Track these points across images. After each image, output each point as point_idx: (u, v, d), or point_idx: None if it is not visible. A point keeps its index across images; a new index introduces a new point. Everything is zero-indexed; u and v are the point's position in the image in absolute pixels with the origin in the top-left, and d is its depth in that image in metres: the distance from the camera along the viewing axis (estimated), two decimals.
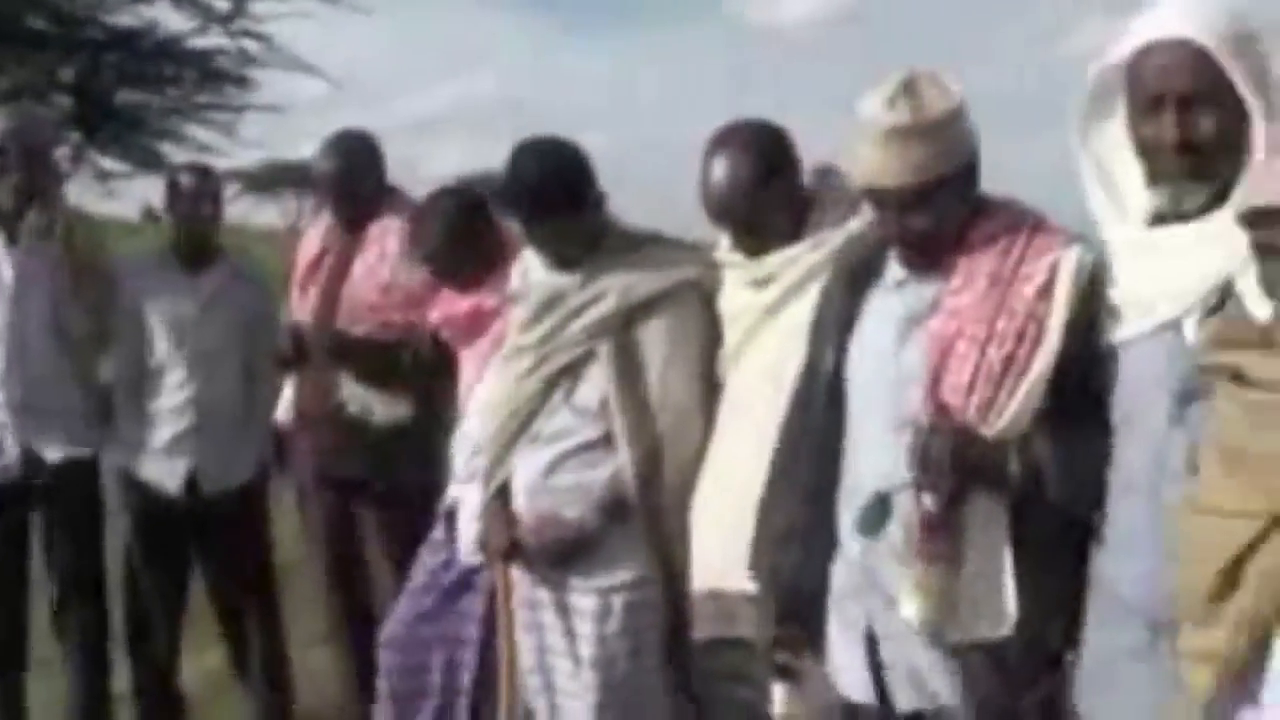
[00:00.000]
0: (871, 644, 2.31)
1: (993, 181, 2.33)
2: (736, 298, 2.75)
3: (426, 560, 3.36)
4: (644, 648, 2.85)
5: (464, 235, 3.32)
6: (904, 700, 2.30)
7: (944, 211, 2.23)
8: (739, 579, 2.53)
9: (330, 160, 3.87)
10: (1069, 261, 2.19)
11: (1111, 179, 2.18)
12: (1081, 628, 2.17)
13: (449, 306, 3.40)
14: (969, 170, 2.27)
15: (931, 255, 2.28)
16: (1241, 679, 1.79)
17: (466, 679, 3.27)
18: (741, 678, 2.62)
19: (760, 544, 2.49)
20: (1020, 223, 2.27)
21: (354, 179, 3.85)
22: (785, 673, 2.46)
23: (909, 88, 2.20)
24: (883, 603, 2.28)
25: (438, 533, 3.36)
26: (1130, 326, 2.11)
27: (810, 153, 2.73)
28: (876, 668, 2.32)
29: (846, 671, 2.37)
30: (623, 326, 2.85)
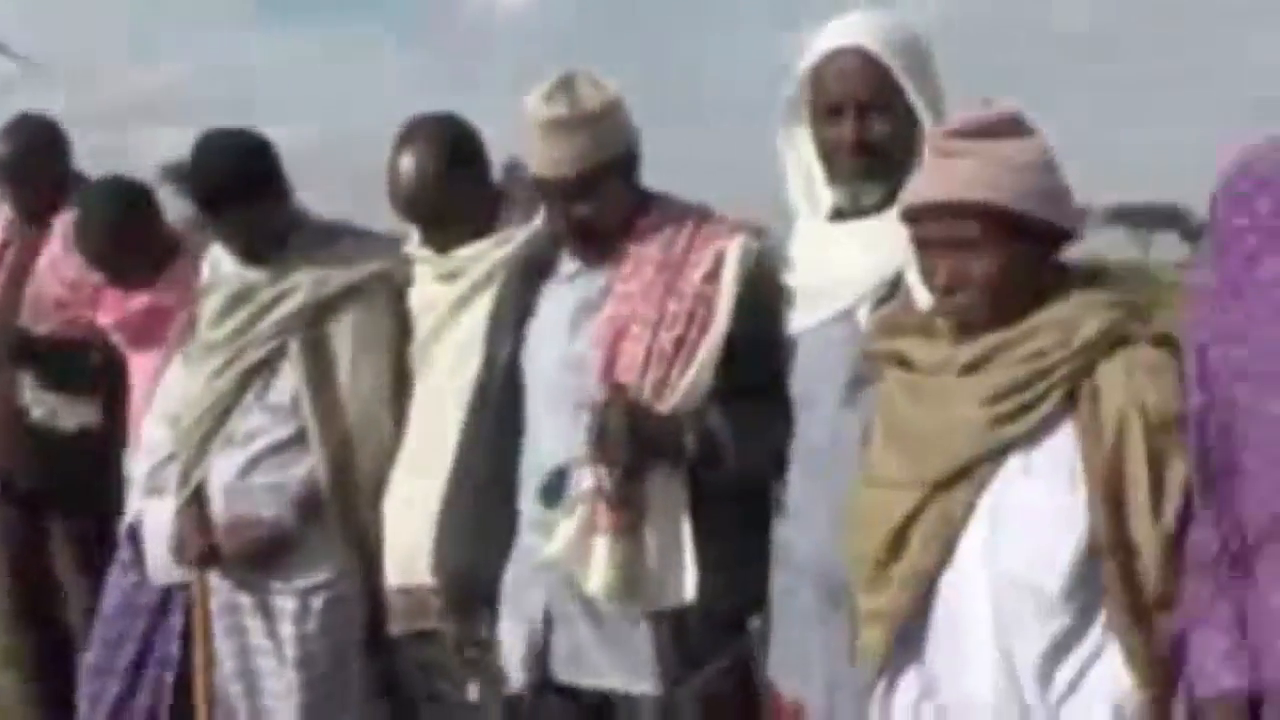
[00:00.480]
0: (546, 626, 2.36)
1: None
2: (426, 291, 2.75)
3: (118, 582, 3.20)
4: (345, 645, 2.82)
5: (129, 233, 3.17)
6: (563, 671, 2.35)
7: (607, 201, 2.32)
8: (426, 572, 2.54)
9: (5, 146, 3.63)
10: (735, 248, 2.31)
11: (810, 176, 2.31)
12: (766, 595, 2.27)
13: (120, 307, 3.25)
14: (629, 161, 2.36)
15: (599, 245, 2.36)
16: (907, 636, 1.91)
17: (167, 699, 3.14)
18: (439, 670, 2.63)
19: (442, 536, 2.51)
20: (687, 214, 2.38)
21: (31, 167, 3.63)
22: (473, 665, 2.48)
23: (565, 83, 2.29)
24: (558, 583, 2.32)
25: (125, 553, 3.20)
26: (809, 315, 2.24)
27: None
28: (547, 649, 2.36)
29: (514, 657, 2.40)
30: (313, 321, 2.80)
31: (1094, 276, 1.91)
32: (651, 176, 2.44)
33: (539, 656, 2.36)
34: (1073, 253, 1.95)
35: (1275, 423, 1.62)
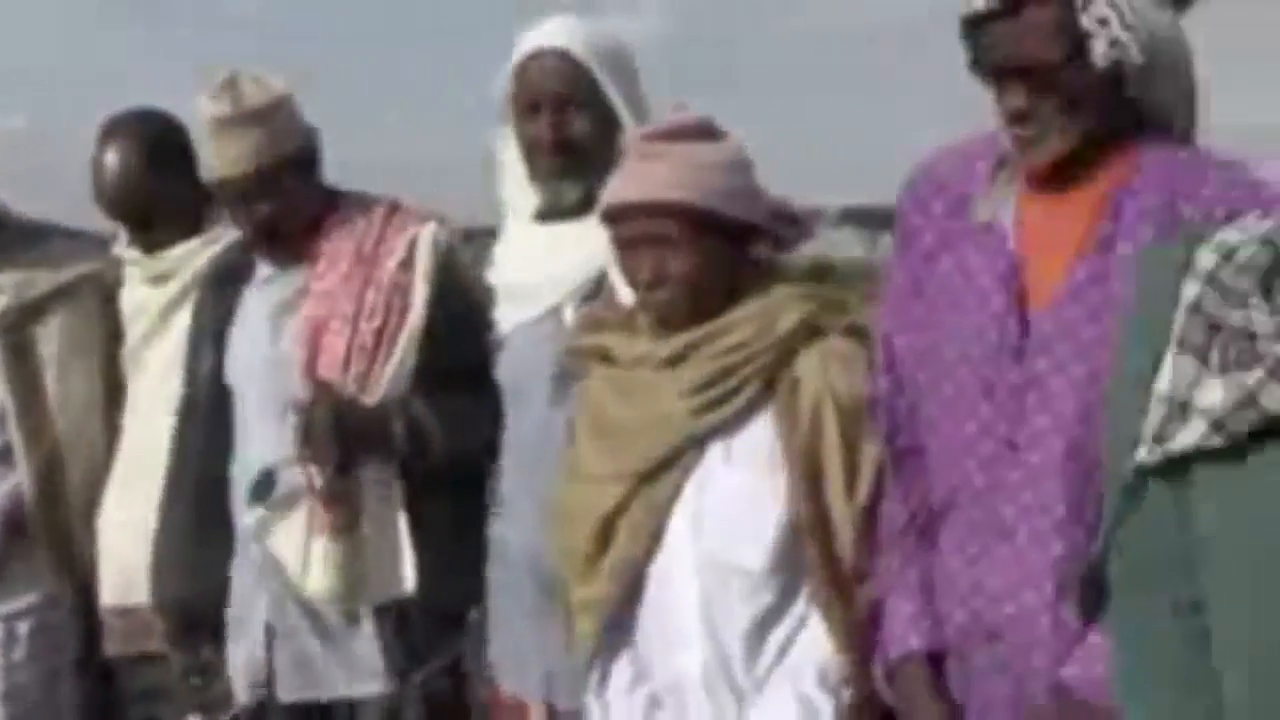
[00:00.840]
0: (269, 641, 2.35)
1: None
2: (136, 294, 2.69)
3: None
4: (56, 671, 2.71)
5: None
6: (287, 690, 2.34)
7: (288, 198, 2.34)
8: (145, 592, 2.49)
9: None
10: (426, 235, 2.35)
11: (519, 177, 2.35)
12: (484, 589, 2.31)
13: None
14: (306, 157, 2.38)
15: (285, 245, 2.37)
16: (619, 624, 1.98)
17: None
18: (163, 695, 2.57)
19: (159, 559, 2.46)
20: (375, 206, 2.41)
21: None
22: (196, 692, 2.44)
23: (229, 82, 2.32)
24: (280, 590, 2.32)
25: None
26: (517, 313, 2.29)
27: None
28: (271, 667, 2.35)
29: (243, 672, 2.39)
30: (17, 326, 2.68)
31: (820, 273, 2.02)
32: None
33: (264, 676, 2.34)
34: (806, 250, 2.06)
35: (949, 404, 1.74)
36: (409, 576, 2.26)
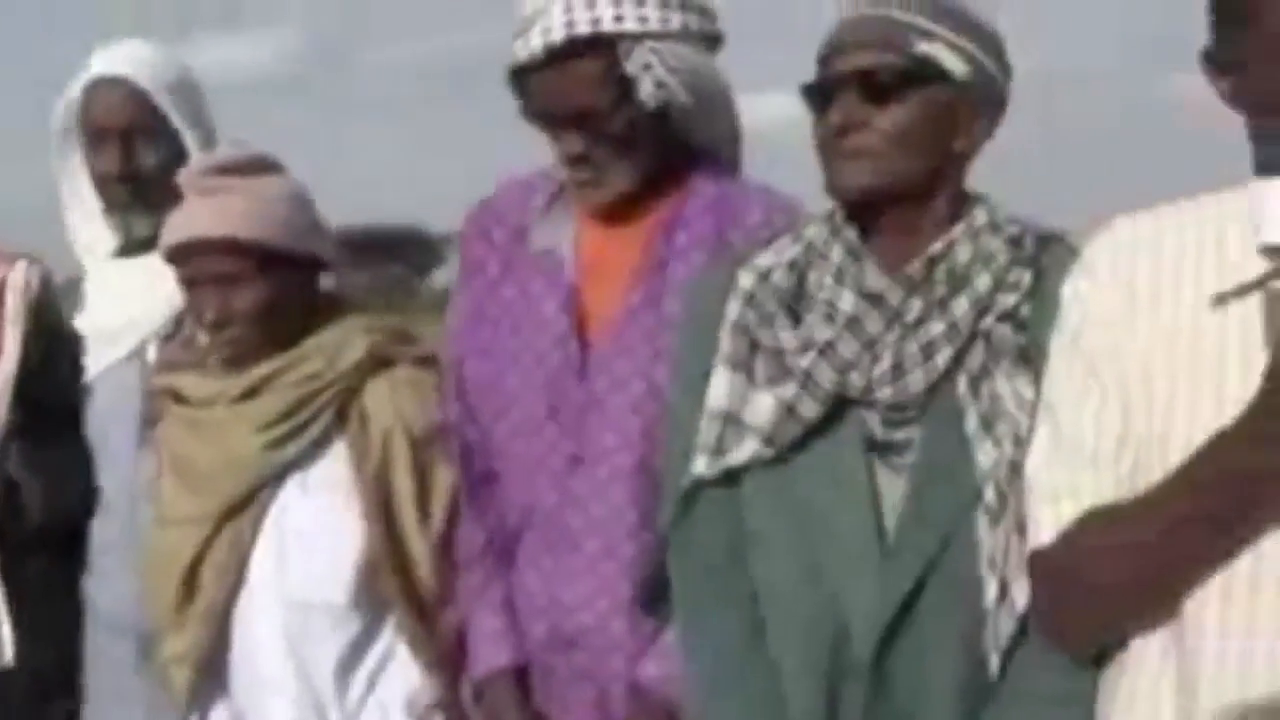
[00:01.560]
0: None
1: None
2: None
3: None
4: None
5: None
6: None
7: None
8: None
9: None
10: (16, 278, 2.22)
11: (91, 211, 2.30)
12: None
13: None
14: None
15: None
16: (214, 672, 1.95)
17: None
18: None
19: None
20: None
21: None
22: None
23: None
24: None
25: None
26: (103, 357, 2.23)
27: None
28: None
29: None
30: None
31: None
32: None
33: None
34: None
35: (517, 427, 1.80)
36: (6, 646, 2.13)
